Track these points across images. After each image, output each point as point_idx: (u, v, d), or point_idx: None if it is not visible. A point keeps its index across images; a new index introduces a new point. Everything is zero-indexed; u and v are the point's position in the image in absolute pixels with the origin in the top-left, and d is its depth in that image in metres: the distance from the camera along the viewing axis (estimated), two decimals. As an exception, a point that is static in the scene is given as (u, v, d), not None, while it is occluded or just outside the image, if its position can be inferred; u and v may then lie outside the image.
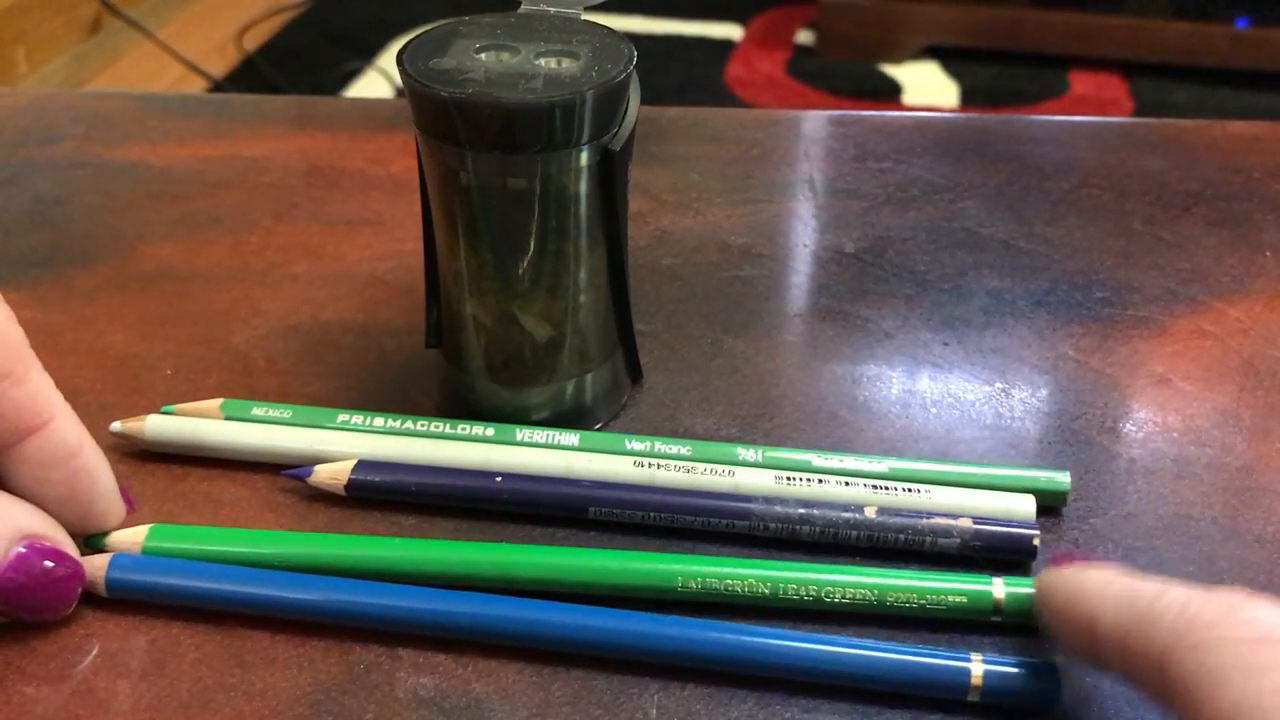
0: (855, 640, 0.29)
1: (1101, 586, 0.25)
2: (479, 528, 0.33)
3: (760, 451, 0.34)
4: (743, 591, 0.30)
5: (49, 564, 0.29)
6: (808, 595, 0.30)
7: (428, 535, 0.33)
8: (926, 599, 0.30)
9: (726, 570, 0.30)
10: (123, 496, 0.32)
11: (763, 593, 0.30)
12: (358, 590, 0.30)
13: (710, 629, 0.29)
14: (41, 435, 0.29)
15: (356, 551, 0.31)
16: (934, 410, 0.38)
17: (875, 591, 0.30)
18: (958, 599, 0.30)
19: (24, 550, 0.28)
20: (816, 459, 0.34)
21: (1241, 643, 0.21)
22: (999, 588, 0.30)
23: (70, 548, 0.30)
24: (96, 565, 0.30)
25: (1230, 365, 0.39)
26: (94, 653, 0.30)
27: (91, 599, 0.30)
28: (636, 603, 0.30)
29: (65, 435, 0.30)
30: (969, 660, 0.28)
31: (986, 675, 0.28)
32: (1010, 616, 0.30)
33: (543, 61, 0.32)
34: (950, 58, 1.83)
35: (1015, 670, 0.28)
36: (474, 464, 0.34)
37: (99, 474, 0.31)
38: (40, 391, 0.29)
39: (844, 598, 0.30)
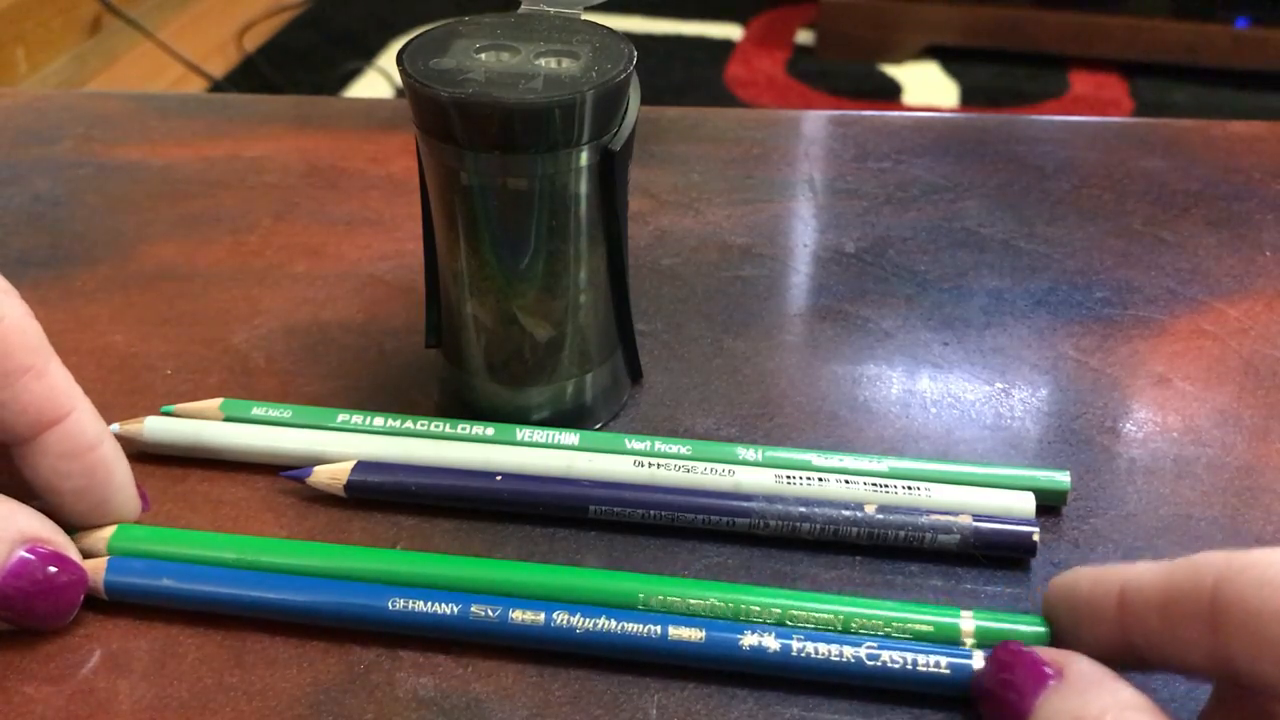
0: (856, 638, 0.29)
1: (1128, 565, 0.26)
2: (479, 528, 0.33)
3: (760, 451, 0.34)
4: (703, 612, 0.29)
5: (52, 569, 0.29)
6: (770, 619, 0.29)
7: (427, 535, 0.33)
8: (892, 627, 0.29)
9: (688, 590, 0.30)
10: (139, 493, 0.32)
11: (724, 614, 0.29)
12: (358, 593, 0.30)
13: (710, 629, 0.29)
14: (62, 427, 0.29)
15: (313, 561, 0.31)
16: (934, 410, 0.38)
17: (839, 618, 0.29)
18: (924, 628, 0.29)
19: (26, 554, 0.28)
20: (816, 458, 0.34)
21: None
22: (967, 620, 0.29)
23: (73, 553, 0.30)
24: (94, 568, 0.30)
25: (1230, 365, 0.39)
26: (94, 652, 0.30)
27: (91, 599, 0.30)
28: None
29: (85, 427, 0.30)
30: (970, 657, 0.28)
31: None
32: (979, 649, 0.28)
33: (543, 61, 0.32)
34: (950, 58, 1.83)
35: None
36: (474, 464, 0.34)
37: (117, 467, 0.31)
38: (60, 384, 0.30)
39: (807, 623, 0.29)
